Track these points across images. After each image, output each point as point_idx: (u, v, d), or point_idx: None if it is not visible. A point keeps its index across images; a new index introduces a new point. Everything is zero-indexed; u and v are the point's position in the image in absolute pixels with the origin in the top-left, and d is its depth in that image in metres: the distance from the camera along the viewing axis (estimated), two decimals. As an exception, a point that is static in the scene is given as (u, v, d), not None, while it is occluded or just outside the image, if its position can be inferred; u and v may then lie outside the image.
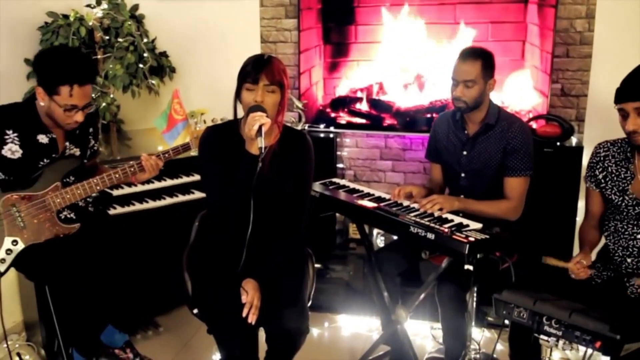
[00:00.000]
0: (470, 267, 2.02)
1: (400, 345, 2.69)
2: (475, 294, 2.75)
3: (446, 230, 2.13)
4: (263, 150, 1.99)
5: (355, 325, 3.28)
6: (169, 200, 3.10)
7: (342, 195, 2.62)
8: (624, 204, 2.19)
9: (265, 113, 2.04)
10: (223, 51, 3.75)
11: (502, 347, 2.99)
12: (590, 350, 1.73)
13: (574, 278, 2.15)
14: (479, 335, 3.02)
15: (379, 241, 3.46)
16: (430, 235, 2.13)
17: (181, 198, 3.14)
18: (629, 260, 2.20)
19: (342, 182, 2.80)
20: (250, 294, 2.10)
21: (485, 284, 2.54)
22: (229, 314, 2.07)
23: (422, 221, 2.25)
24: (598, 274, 2.28)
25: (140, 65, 3.43)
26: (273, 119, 2.11)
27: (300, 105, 3.47)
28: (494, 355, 2.95)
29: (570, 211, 3.16)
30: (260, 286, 2.15)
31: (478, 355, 2.90)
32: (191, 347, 3.08)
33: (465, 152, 2.61)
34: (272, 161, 2.16)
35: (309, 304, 2.38)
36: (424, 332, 3.18)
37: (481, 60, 2.46)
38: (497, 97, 3.35)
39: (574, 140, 3.24)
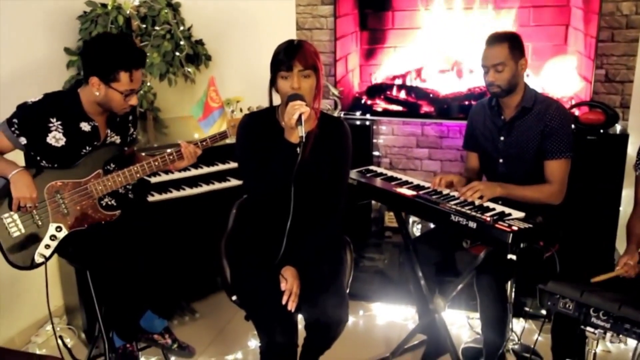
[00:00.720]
0: (514, 257, 1.98)
1: (437, 334, 2.67)
2: (514, 284, 2.71)
3: (488, 219, 2.10)
4: (304, 139, 1.98)
5: (390, 313, 3.27)
6: (205, 188, 3.12)
7: (380, 183, 2.60)
8: (675, 193, 2.12)
9: (304, 102, 2.03)
10: (258, 38, 3.74)
11: (542, 339, 2.95)
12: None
13: (626, 278, 2.09)
14: (518, 326, 2.97)
15: (415, 230, 3.42)
16: (472, 224, 2.09)
17: (217, 185, 3.15)
18: (678, 252, 2.13)
19: (380, 169, 2.78)
20: (289, 282, 2.10)
21: (526, 273, 2.49)
22: (269, 301, 2.08)
23: (463, 210, 2.21)
24: None
25: (177, 54, 3.44)
26: (310, 104, 2.09)
27: (336, 92, 3.44)
28: (534, 347, 2.91)
29: (614, 200, 3.08)
30: (299, 273, 2.14)
31: (517, 347, 2.86)
32: (227, 332, 3.11)
33: (502, 138, 2.57)
34: (312, 148, 2.15)
35: (347, 291, 2.38)
36: (460, 322, 3.16)
37: (507, 42, 2.44)
38: (537, 83, 3.26)
39: (618, 128, 3.14)
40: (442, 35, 3.39)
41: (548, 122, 2.46)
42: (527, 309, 3.09)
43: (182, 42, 3.46)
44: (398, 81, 3.50)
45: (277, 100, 2.19)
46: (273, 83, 2.13)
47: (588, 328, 1.81)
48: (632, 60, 3.20)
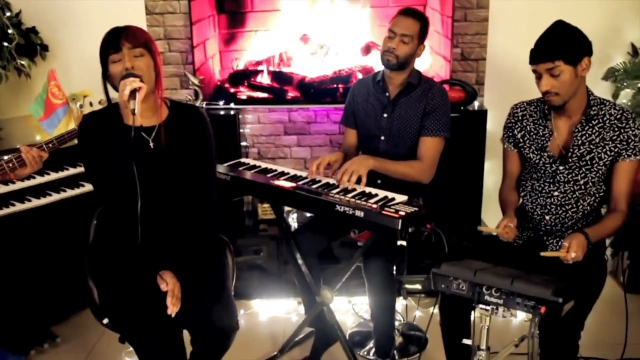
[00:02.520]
0: (404, 243, 1.95)
1: (326, 326, 2.60)
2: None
3: (374, 206, 2.04)
4: (136, 112, 1.81)
5: (272, 309, 3.17)
6: (55, 197, 2.76)
7: (255, 176, 2.45)
8: (541, 162, 2.21)
9: (138, 78, 1.85)
10: (104, 25, 3.32)
11: (421, 314, 3.02)
12: (538, 318, 1.70)
13: (503, 240, 2.15)
14: (399, 305, 3.01)
15: (291, 220, 3.32)
16: (359, 213, 2.03)
17: (70, 193, 2.80)
18: (547, 217, 2.23)
19: (252, 162, 2.63)
20: (170, 282, 1.90)
21: (413, 256, 2.50)
22: (148, 321, 1.85)
23: (348, 198, 2.14)
24: (519, 235, 2.30)
25: (5, 44, 3.01)
26: (150, 86, 1.92)
27: (196, 81, 3.21)
28: (415, 323, 2.97)
29: (478, 173, 3.22)
30: (180, 280, 1.95)
31: (401, 326, 2.90)
32: (96, 356, 2.79)
33: (385, 115, 2.56)
34: (166, 141, 1.96)
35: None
36: (344, 308, 3.14)
37: (420, 22, 2.47)
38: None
39: (476, 104, 3.27)
40: (304, 18, 3.30)
41: (430, 100, 2.49)
42: (407, 286, 3.13)
43: (10, 31, 3.03)
44: (261, 67, 3.35)
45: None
46: (106, 76, 1.95)
47: (481, 305, 1.81)
48: (484, 39, 3.34)
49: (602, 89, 3.37)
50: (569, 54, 2.01)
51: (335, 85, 3.25)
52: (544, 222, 2.24)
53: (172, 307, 1.87)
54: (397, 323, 2.83)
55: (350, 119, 2.68)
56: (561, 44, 2.01)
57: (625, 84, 3.30)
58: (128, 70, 1.87)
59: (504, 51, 3.33)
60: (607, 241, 2.36)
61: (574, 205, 2.19)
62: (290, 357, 2.76)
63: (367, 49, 3.35)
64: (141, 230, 1.85)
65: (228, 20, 3.33)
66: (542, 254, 1.99)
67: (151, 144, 1.95)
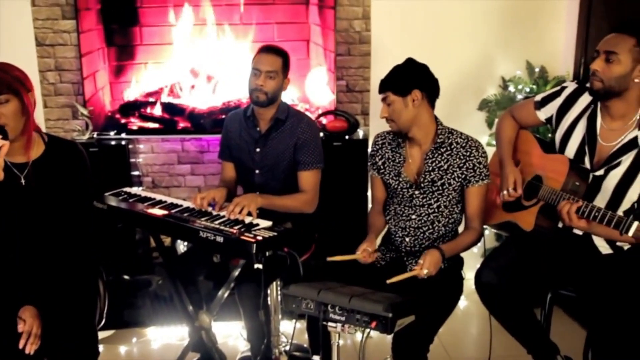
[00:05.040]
0: (260, 266, 2.05)
1: (208, 350, 2.65)
2: (279, 289, 2.81)
3: (234, 231, 2.14)
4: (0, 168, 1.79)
5: (165, 336, 3.19)
6: None
7: (131, 205, 2.49)
8: (399, 187, 2.39)
9: (2, 134, 1.84)
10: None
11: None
12: (368, 331, 1.84)
13: (363, 264, 2.29)
14: (289, 326, 3.08)
15: (183, 247, 3.37)
16: (220, 239, 2.11)
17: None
18: (407, 239, 2.40)
19: (135, 190, 2.68)
20: (28, 322, 1.92)
21: (276, 279, 2.61)
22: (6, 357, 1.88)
23: (213, 224, 2.22)
24: (383, 256, 2.45)
25: None
26: (18, 130, 1.94)
27: (85, 112, 3.24)
28: (305, 345, 3.05)
29: (362, 199, 3.37)
30: (42, 312, 1.97)
31: (288, 347, 2.97)
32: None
33: (258, 149, 2.65)
34: (41, 176, 2.00)
35: (102, 323, 2.26)
36: (236, 333, 3.18)
37: (282, 57, 2.57)
38: (293, 94, 3.45)
39: (360, 133, 3.45)
40: (193, 51, 3.40)
41: (300, 135, 2.60)
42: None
43: None
44: (152, 98, 3.42)
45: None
46: None
47: (329, 323, 1.93)
48: (367, 72, 3.54)
49: (477, 119, 3.63)
50: (397, 86, 2.25)
51: (224, 116, 3.35)
52: (404, 244, 2.41)
53: (30, 347, 1.89)
54: (282, 345, 2.91)
55: (226, 152, 2.77)
56: (392, 78, 2.27)
57: (497, 114, 3.56)
58: None
59: (385, 83, 3.54)
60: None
61: (430, 227, 2.37)
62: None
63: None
64: (20, 262, 1.87)
65: (117, 52, 3.40)
66: (388, 282, 2.10)
67: (22, 181, 1.95)
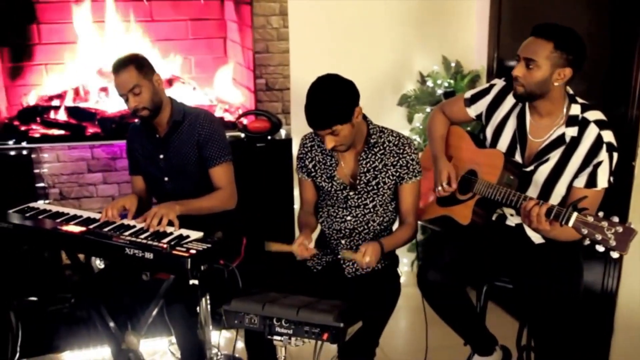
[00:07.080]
0: (196, 282, 1.91)
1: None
2: (208, 302, 2.67)
3: (164, 245, 1.99)
4: None
5: (83, 358, 2.97)
6: None
7: (42, 222, 2.27)
8: (333, 189, 2.32)
9: None
10: None
11: (242, 344, 2.99)
12: (321, 343, 1.76)
13: (299, 259, 2.20)
14: (217, 337, 2.95)
15: (99, 263, 3.13)
16: (149, 255, 1.95)
17: None
18: (343, 242, 2.34)
19: (43, 205, 2.44)
20: None
21: (215, 292, 2.48)
22: None
23: (139, 240, 2.05)
24: (318, 260, 2.38)
25: None
26: None
27: (-22, 120, 2.92)
28: (236, 355, 2.93)
29: (287, 200, 3.29)
30: None
31: (219, 357, 2.84)
32: None
33: (162, 156, 2.53)
34: None
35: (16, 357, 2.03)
36: (163, 349, 3.01)
37: (132, 64, 2.37)
38: (209, 95, 3.29)
39: (283, 133, 3.36)
40: (99, 50, 3.16)
41: (200, 131, 2.49)
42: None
43: None
44: (56, 102, 3.14)
45: None
46: None
47: (275, 337, 1.84)
48: (286, 70, 3.44)
49: (398, 114, 3.64)
50: (341, 117, 2.10)
51: (137, 120, 3.14)
52: (340, 246, 2.35)
53: None
54: (215, 357, 2.77)
55: (134, 166, 2.63)
56: (332, 112, 2.09)
57: (417, 108, 3.60)
58: None
59: (306, 81, 3.43)
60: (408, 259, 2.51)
61: (366, 227, 2.32)
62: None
63: (169, 82, 3.29)
64: None
65: (12, 53, 3.09)
66: (341, 253, 2.09)
67: None
